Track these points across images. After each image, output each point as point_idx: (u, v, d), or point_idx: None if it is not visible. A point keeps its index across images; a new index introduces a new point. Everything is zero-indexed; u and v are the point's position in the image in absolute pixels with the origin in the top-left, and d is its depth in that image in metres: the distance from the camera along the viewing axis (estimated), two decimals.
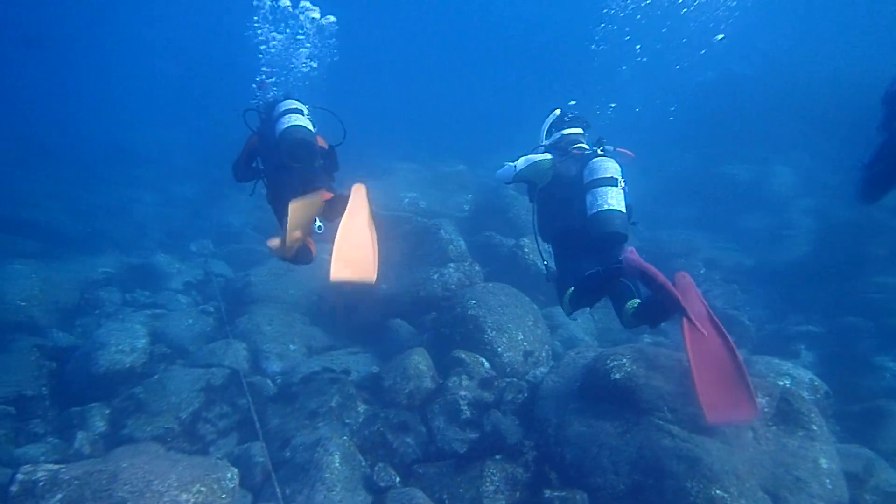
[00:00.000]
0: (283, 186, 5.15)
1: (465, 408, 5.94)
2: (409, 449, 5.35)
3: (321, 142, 5.47)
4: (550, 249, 5.04)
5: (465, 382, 6.37)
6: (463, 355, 6.74)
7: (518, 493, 4.72)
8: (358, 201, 5.06)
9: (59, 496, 3.68)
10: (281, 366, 7.22)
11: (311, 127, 5.16)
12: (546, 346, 7.42)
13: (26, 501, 3.64)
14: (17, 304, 7.65)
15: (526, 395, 6.12)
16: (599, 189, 4.54)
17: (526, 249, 9.13)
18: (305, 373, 6.66)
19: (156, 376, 6.33)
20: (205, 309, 8.18)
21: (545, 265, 5.01)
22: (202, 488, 4.06)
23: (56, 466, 3.95)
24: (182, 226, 13.11)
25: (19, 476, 3.75)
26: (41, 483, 3.75)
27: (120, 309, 8.43)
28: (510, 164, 5.13)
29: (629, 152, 4.98)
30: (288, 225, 4.52)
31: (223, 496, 4.16)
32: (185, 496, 3.92)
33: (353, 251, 4.84)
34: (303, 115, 5.19)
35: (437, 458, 5.20)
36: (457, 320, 7.33)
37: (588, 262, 4.53)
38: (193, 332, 7.62)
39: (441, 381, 6.44)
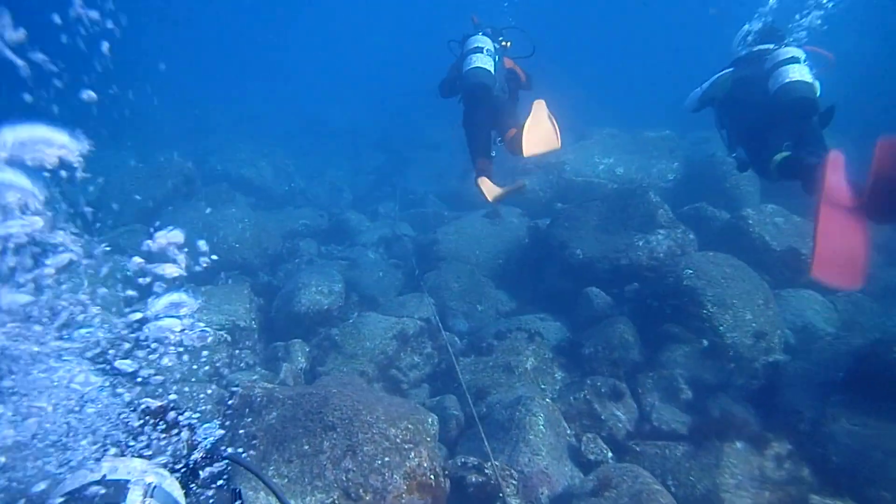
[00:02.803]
0: (473, 114, 6.15)
1: (685, 386, 5.08)
2: (619, 423, 4.66)
3: (508, 63, 6.46)
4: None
5: (680, 359, 5.50)
6: (677, 330, 5.85)
7: (768, 494, 3.81)
8: (539, 108, 6.05)
9: (274, 413, 3.63)
10: (468, 325, 6.90)
11: (489, 67, 5.90)
12: (779, 332, 6.21)
13: (245, 412, 3.62)
14: (233, 245, 8.24)
15: (762, 381, 5.10)
16: (781, 69, 4.69)
17: (750, 221, 7.80)
18: (499, 328, 6.26)
19: (350, 320, 6.34)
20: (395, 263, 8.16)
21: (733, 156, 5.44)
22: (409, 426, 3.78)
23: (271, 385, 3.92)
24: (370, 191, 13.55)
25: (239, 390, 3.78)
26: (258, 398, 3.73)
27: (316, 259, 8.74)
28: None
29: (828, 53, 4.94)
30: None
31: (427, 439, 3.85)
32: (392, 430, 3.67)
33: (538, 133, 5.91)
34: (484, 53, 5.94)
35: (654, 438, 4.45)
36: (668, 291, 6.40)
37: (782, 137, 4.70)
38: (383, 284, 7.61)
39: (649, 355, 5.64)
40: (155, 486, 1.68)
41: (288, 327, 6.42)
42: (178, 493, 1.76)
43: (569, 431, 4.52)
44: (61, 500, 1.61)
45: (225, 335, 5.96)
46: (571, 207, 8.25)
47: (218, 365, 5.62)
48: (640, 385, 5.17)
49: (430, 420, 4.12)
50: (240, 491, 2.01)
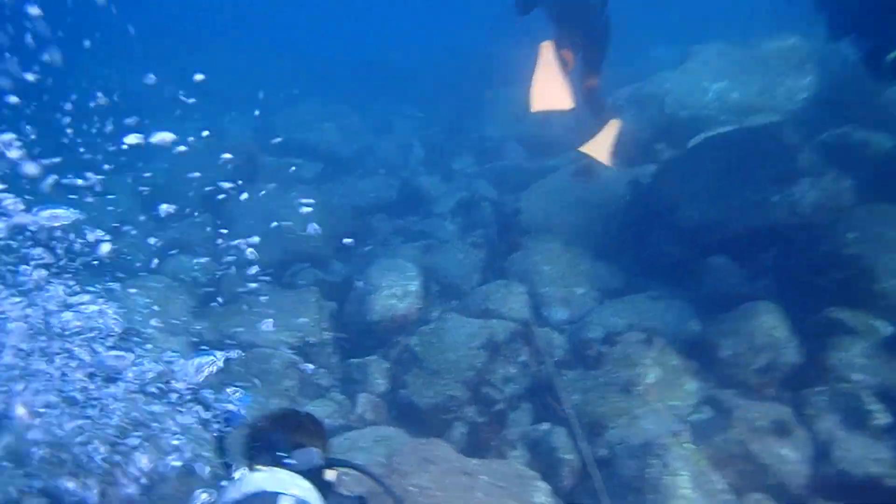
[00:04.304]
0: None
1: (873, 404, 3.86)
2: (790, 465, 3.55)
3: None
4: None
5: (858, 360, 4.23)
6: (845, 316, 4.55)
7: None
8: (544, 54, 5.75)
9: None
10: (567, 313, 5.88)
11: None
12: None
13: None
14: (299, 234, 7.55)
15: None
16: None
17: None
18: (607, 329, 5.21)
19: (431, 325, 5.50)
20: (474, 242, 7.15)
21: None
22: None
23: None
24: (443, 141, 12.41)
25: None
26: None
27: (391, 238, 7.91)
28: None
29: None
30: None
31: None
32: None
33: (548, 89, 5.68)
34: None
35: (842, 487, 3.33)
36: (824, 262, 5.06)
37: None
38: (465, 268, 6.66)
39: (812, 354, 4.41)
40: (301, 499, 1.79)
41: (362, 337, 5.70)
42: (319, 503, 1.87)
43: (721, 486, 3.49)
44: None
45: (296, 357, 5.32)
46: (680, 157, 6.81)
47: (290, 393, 5.00)
48: (809, 404, 3.99)
49: (537, 499, 3.22)
50: (365, 499, 2.07)
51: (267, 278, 6.87)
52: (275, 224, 7.62)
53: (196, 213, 8.07)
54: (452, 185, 9.62)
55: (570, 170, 7.48)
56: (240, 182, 8.76)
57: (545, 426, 4.32)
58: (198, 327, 5.70)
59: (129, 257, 6.91)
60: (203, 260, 7.02)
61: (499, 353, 5.07)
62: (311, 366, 5.28)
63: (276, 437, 2.01)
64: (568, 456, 3.93)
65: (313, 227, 7.66)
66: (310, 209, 7.94)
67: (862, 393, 3.91)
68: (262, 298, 6.03)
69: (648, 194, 6.70)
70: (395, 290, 5.83)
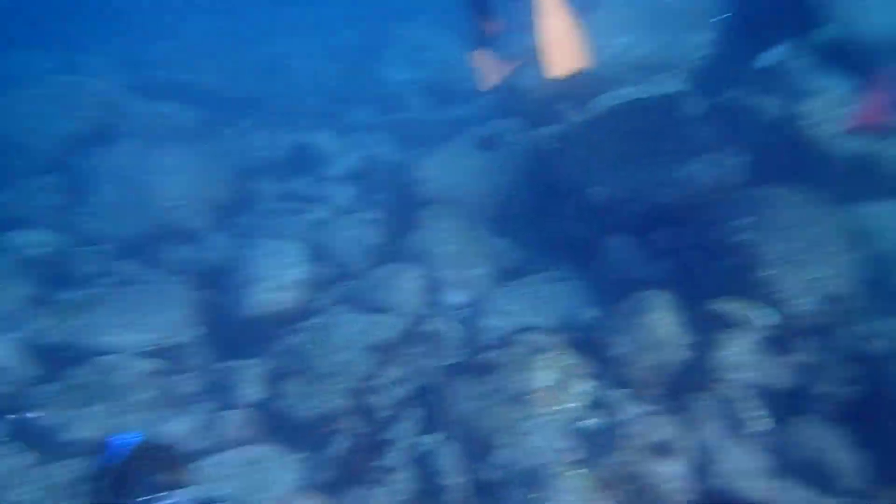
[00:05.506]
0: None
1: (754, 410, 3.86)
2: (677, 490, 3.48)
3: None
4: None
5: (741, 357, 4.22)
6: (731, 307, 4.51)
7: None
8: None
9: None
10: (464, 296, 5.59)
11: None
12: (858, 285, 4.89)
13: None
14: (168, 205, 6.68)
15: (860, 387, 3.84)
16: None
17: (808, 118, 6.01)
18: (502, 322, 4.97)
19: (319, 320, 5.03)
20: (371, 214, 6.59)
21: None
22: None
23: None
24: (340, 85, 11.41)
25: None
26: None
27: (277, 207, 7.18)
28: None
29: None
30: None
31: None
32: None
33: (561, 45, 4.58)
34: None
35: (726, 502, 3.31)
36: (715, 247, 5.01)
37: None
38: (359, 246, 6.16)
39: (699, 348, 4.36)
40: None
41: (240, 333, 5.14)
42: None
43: None
44: None
45: (159, 362, 4.70)
46: (584, 125, 6.47)
47: (148, 407, 4.42)
48: (693, 408, 3.95)
49: None
50: None
51: (126, 260, 6.09)
52: (138, 190, 6.74)
53: (39, 177, 6.93)
54: (350, 139, 8.87)
55: (474, 134, 7.01)
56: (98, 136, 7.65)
57: (431, 440, 4.04)
58: (34, 326, 4.89)
59: None
60: (46, 235, 6.05)
61: (390, 352, 4.71)
62: (174, 372, 4.70)
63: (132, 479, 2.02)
64: (453, 480, 3.69)
65: (184, 194, 6.83)
66: (182, 171, 7.08)
67: (743, 394, 3.90)
68: (118, 286, 5.31)
69: (551, 165, 6.37)
70: (281, 280, 5.26)
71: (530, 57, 5.19)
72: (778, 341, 4.34)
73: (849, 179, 5.44)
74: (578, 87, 7.62)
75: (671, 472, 3.52)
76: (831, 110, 5.64)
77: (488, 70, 5.14)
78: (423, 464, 3.85)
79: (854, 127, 4.16)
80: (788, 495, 3.43)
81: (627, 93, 7.08)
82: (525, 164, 6.58)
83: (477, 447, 3.84)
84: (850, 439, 3.61)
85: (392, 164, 7.72)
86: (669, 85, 7.04)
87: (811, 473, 3.53)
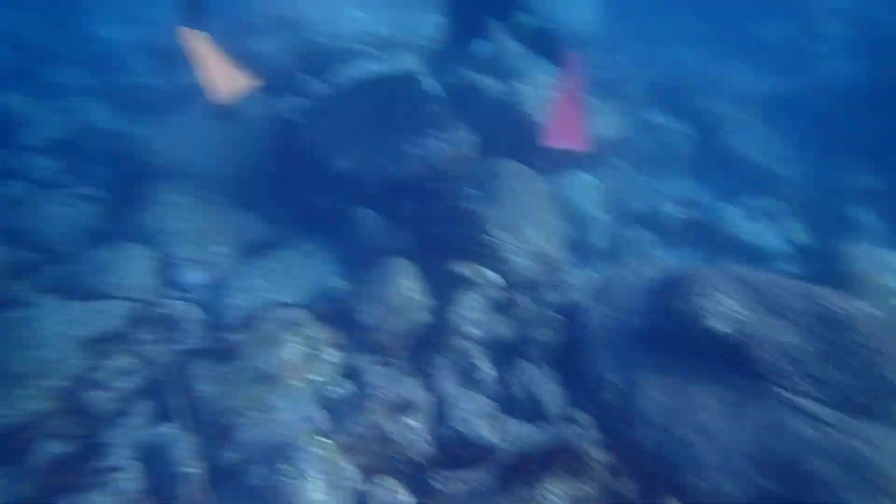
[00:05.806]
0: None
1: (482, 361, 4.31)
2: (417, 441, 3.72)
3: None
4: None
5: (472, 314, 4.68)
6: (465, 270, 4.98)
7: None
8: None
9: None
10: (202, 276, 5.17)
11: None
12: (565, 242, 5.80)
13: None
14: None
15: (562, 335, 4.55)
16: None
17: (522, 97, 6.85)
18: (248, 298, 4.74)
19: (20, 314, 4.17)
20: (85, 194, 5.64)
21: None
22: None
23: None
24: (40, 40, 9.49)
25: None
26: None
27: None
28: None
29: None
30: None
31: None
32: None
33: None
34: None
35: (461, 459, 3.64)
36: (448, 215, 5.45)
37: None
38: (69, 226, 5.26)
39: (438, 309, 4.72)
40: None
41: None
42: None
43: (352, 474, 3.45)
44: None
45: None
46: (327, 98, 6.45)
47: None
48: (433, 366, 4.26)
49: None
50: None
51: None
52: None
53: None
54: (54, 103, 7.46)
55: (206, 105, 6.43)
56: None
57: (165, 431, 3.68)
58: None
59: None
60: None
61: (112, 342, 4.13)
62: None
63: None
64: (192, 469, 3.42)
65: None
66: None
67: (473, 352, 4.32)
68: None
69: (297, 137, 6.20)
70: None
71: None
72: (502, 298, 4.92)
73: (553, 153, 6.38)
74: (316, 58, 7.56)
75: (413, 426, 3.74)
76: (538, 91, 6.56)
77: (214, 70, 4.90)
78: (154, 457, 3.48)
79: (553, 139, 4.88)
80: (511, 426, 3.90)
81: (369, 67, 7.26)
82: (268, 136, 6.30)
83: (218, 430, 3.61)
84: (557, 377, 4.26)
85: (111, 133, 6.72)
86: (408, 61, 7.41)
87: (529, 408, 4.09)
